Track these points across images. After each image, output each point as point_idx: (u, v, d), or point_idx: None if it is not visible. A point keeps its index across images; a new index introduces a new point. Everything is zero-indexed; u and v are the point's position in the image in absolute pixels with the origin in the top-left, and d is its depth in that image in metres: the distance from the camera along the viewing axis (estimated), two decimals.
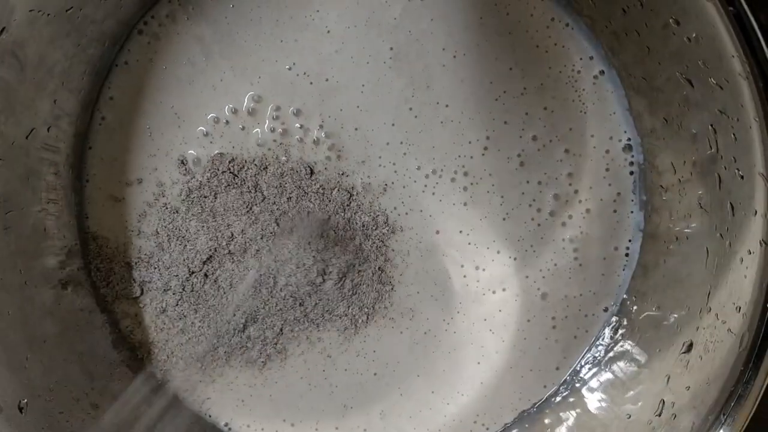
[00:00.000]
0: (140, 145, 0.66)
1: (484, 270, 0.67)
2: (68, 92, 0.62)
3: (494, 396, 0.68)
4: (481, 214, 0.67)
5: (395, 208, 0.66)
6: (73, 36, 0.60)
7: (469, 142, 0.66)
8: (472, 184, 0.66)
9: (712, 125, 0.54)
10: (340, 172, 0.66)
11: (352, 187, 0.66)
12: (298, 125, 0.66)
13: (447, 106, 0.66)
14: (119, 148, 0.66)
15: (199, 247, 0.65)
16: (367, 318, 0.67)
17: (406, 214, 0.67)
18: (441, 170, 0.66)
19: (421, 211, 0.67)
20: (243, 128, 0.66)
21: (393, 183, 0.66)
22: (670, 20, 0.53)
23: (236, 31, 0.65)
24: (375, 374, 0.68)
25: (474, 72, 0.65)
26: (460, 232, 0.67)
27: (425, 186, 0.67)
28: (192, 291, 0.66)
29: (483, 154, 0.66)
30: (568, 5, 0.64)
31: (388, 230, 0.67)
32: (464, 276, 0.67)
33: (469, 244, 0.67)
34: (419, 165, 0.66)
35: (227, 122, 0.66)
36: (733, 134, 0.52)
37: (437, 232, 0.67)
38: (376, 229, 0.66)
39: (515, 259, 0.67)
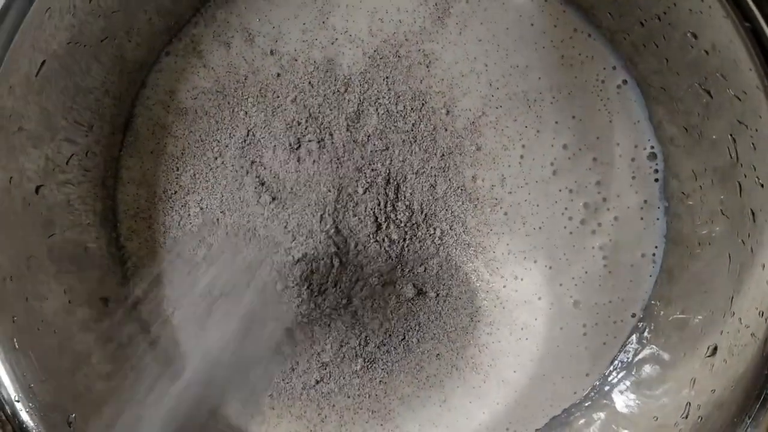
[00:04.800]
0: (171, 162, 0.73)
1: (522, 280, 0.73)
2: (103, 116, 0.70)
3: (527, 403, 0.74)
4: (519, 223, 0.72)
5: (437, 219, 0.72)
6: (108, 64, 0.67)
7: (506, 150, 0.72)
8: (510, 193, 0.72)
9: (731, 134, 0.59)
10: (383, 179, 0.71)
11: (402, 194, 0.72)
12: (329, 131, 0.71)
13: (483, 113, 0.72)
14: (151, 167, 0.73)
15: (234, 264, 0.72)
16: (418, 341, 0.74)
17: (450, 228, 0.72)
18: (482, 179, 0.72)
19: (463, 222, 0.73)
20: (270, 133, 0.72)
21: (435, 191, 0.72)
22: (688, 33, 0.59)
23: (264, 41, 0.72)
24: (416, 387, 0.75)
25: (506, 80, 0.71)
26: (501, 241, 0.73)
27: (467, 196, 0.72)
28: (225, 313, 0.72)
29: (519, 163, 0.72)
30: (588, 17, 0.70)
31: (437, 240, 0.72)
32: (504, 286, 0.73)
33: (510, 253, 0.73)
34: (460, 173, 0.72)
35: (257, 133, 0.72)
36: (752, 143, 0.57)
37: (479, 242, 0.73)
38: (427, 239, 0.72)
39: (550, 267, 0.73)
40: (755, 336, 0.58)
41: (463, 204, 0.72)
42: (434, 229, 0.72)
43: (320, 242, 0.70)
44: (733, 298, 0.61)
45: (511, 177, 0.72)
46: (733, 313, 0.61)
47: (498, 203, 0.72)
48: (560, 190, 0.72)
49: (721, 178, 0.62)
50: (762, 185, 0.57)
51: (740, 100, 0.57)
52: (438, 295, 0.73)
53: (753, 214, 0.59)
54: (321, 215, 0.70)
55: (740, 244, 0.61)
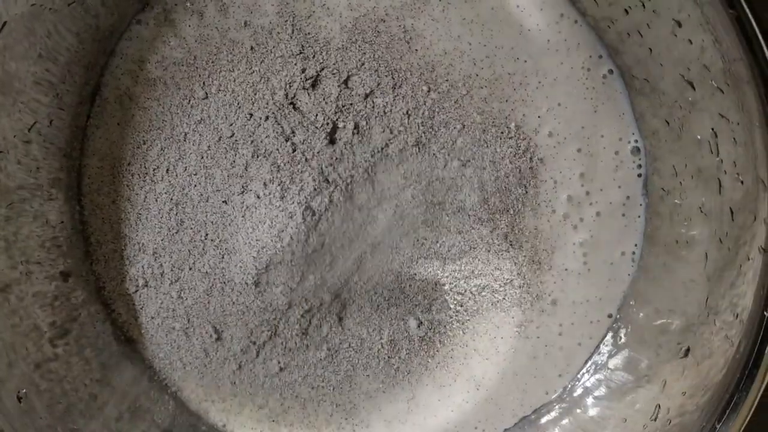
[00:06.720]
0: (138, 135, 0.73)
1: (502, 275, 0.73)
2: (69, 84, 0.70)
3: (497, 402, 0.75)
4: (504, 213, 0.72)
5: (420, 207, 0.72)
6: (75, 29, 0.67)
7: (492, 134, 0.72)
8: (495, 179, 0.72)
9: (713, 129, 0.59)
10: (360, 159, 0.71)
11: (378, 179, 0.72)
12: (303, 109, 0.71)
13: (468, 93, 0.72)
14: (118, 139, 0.73)
15: (197, 241, 0.72)
16: (387, 337, 0.74)
17: (429, 218, 0.72)
18: (466, 164, 0.72)
19: (444, 212, 0.72)
20: (238, 105, 0.72)
21: (416, 178, 0.72)
22: (672, 21, 0.59)
23: (238, 11, 0.71)
24: (382, 383, 0.75)
25: (490, 60, 0.71)
26: (484, 234, 0.73)
27: (451, 182, 0.72)
28: (189, 291, 0.73)
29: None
30: (573, 2, 0.70)
31: (413, 230, 0.72)
32: (484, 282, 0.73)
33: (492, 247, 0.73)
34: (443, 157, 0.72)
35: (228, 108, 0.72)
36: (734, 138, 0.57)
37: (460, 235, 0.73)
38: (401, 228, 0.72)
39: (531, 263, 0.73)
40: (729, 338, 0.58)
41: (447, 190, 0.72)
42: (412, 218, 0.72)
43: (292, 229, 0.70)
44: (708, 299, 0.61)
45: (496, 161, 0.72)
46: (708, 315, 0.61)
47: (481, 190, 0.72)
48: (545, 181, 0.72)
49: (702, 175, 0.62)
50: (742, 182, 0.57)
51: (723, 92, 0.57)
52: (411, 289, 0.73)
53: (732, 212, 0.59)
54: (296, 199, 0.70)
55: (718, 244, 0.61)
